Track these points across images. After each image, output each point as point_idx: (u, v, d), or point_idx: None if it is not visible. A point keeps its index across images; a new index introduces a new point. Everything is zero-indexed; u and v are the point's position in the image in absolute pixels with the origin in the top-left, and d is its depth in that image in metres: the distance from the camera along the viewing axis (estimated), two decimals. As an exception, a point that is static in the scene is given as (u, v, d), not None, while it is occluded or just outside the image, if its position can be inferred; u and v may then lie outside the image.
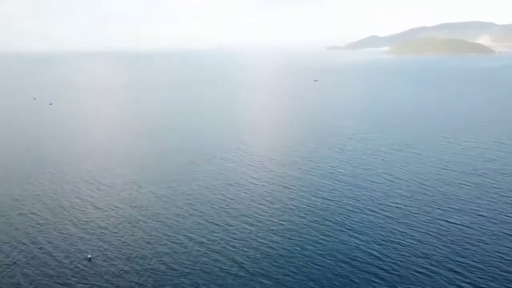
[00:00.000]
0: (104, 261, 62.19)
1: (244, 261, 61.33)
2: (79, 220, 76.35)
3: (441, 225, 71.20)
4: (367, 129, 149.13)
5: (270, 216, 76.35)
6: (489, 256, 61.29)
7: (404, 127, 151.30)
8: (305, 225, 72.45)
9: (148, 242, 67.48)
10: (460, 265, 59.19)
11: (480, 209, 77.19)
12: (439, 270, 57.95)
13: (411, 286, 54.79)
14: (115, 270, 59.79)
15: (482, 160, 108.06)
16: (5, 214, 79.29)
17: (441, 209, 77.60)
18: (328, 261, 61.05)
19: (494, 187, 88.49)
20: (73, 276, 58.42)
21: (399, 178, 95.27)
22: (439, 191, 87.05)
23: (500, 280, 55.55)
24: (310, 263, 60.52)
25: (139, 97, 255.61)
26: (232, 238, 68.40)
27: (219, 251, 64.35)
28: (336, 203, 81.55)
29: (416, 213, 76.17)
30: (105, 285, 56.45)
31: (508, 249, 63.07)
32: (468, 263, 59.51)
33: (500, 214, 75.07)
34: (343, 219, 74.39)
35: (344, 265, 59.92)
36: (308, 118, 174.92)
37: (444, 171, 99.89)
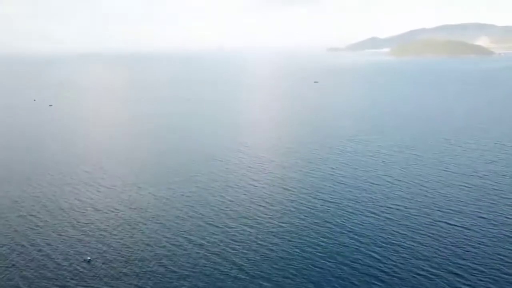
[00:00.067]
0: (103, 263, 61.95)
1: (243, 264, 61.10)
2: (78, 222, 76.10)
3: (441, 227, 70.97)
4: (367, 130, 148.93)
5: (270, 218, 76.12)
6: (489, 258, 61.07)
7: (404, 129, 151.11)
8: (305, 227, 72.21)
9: (148, 244, 67.24)
10: (461, 267, 58.97)
11: (480, 211, 76.96)
12: (440, 273, 57.73)
13: (411, 288, 54.59)
14: (114, 272, 59.55)
15: (482, 162, 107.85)
16: (4, 216, 79.05)
17: (441, 211, 77.38)
18: (328, 263, 60.81)
19: (494, 189, 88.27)
20: (72, 279, 58.20)
21: (399, 180, 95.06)
22: (439, 193, 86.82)
23: (501, 283, 55.34)
24: (310, 265, 60.29)
25: (138, 98, 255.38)
26: (231, 240, 68.16)
27: (218, 253, 64.11)
28: (336, 205, 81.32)
29: (416, 215, 75.95)
30: (104, 287, 56.22)
31: (509, 251, 62.85)
32: (469, 265, 59.29)
33: (501, 216, 74.86)
34: (343, 221, 74.16)
35: (344, 267, 59.70)
36: (308, 119, 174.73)
37: (444, 172, 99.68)
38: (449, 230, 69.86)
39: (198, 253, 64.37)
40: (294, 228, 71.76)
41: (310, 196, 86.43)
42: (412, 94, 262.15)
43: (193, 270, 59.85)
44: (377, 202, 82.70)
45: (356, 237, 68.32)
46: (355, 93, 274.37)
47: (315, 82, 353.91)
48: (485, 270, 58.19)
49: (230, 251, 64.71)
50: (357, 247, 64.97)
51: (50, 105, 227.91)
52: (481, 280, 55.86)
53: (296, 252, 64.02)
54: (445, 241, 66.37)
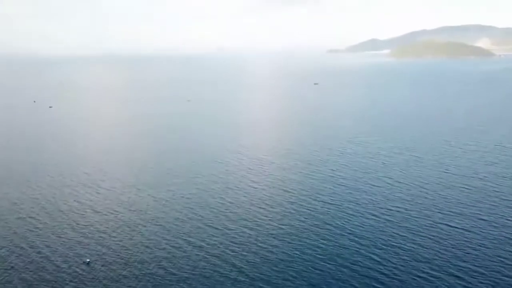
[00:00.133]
0: (102, 265, 61.76)
1: (243, 266, 60.90)
2: (78, 224, 75.92)
3: (441, 229, 70.76)
4: (368, 132, 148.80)
5: (270, 220, 75.92)
6: (490, 260, 60.84)
7: (405, 130, 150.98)
8: (305, 229, 72.02)
9: (147, 247, 67.05)
10: (461, 269, 58.75)
11: (481, 213, 76.74)
12: (440, 275, 57.51)
13: (412, 291, 54.37)
14: (113, 274, 59.35)
15: (483, 163, 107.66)
16: (4, 218, 78.86)
17: (441, 213, 77.17)
18: (328, 265, 60.61)
19: (495, 190, 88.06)
20: (71, 281, 58.00)
21: (400, 182, 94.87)
22: (439, 194, 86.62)
23: (502, 285, 55.11)
24: (310, 268, 60.08)
25: (138, 99, 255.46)
26: (231, 242, 67.96)
27: (218, 255, 63.91)
28: (336, 207, 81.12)
29: (416, 217, 75.74)
30: (103, 290, 56.03)
31: (510, 253, 62.62)
32: (469, 268, 59.07)
33: (501, 218, 74.64)
34: (343, 223, 73.96)
35: (344, 269, 59.48)
36: (308, 121, 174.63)
37: (444, 174, 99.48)
38: (449, 232, 69.65)
39: (198, 255, 64.18)
40: (294, 230, 71.56)
41: (310, 198, 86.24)
42: (412, 95, 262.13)
43: (193, 272, 59.65)
44: (377, 204, 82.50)
45: (356, 239, 68.11)
46: (355, 94, 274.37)
47: (315, 83, 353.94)
48: (485, 272, 57.97)
49: (230, 253, 64.51)
50: (357, 249, 64.77)
51: (50, 107, 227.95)
52: (482, 283, 55.63)
53: (296, 254, 63.81)
54: (446, 243, 66.16)
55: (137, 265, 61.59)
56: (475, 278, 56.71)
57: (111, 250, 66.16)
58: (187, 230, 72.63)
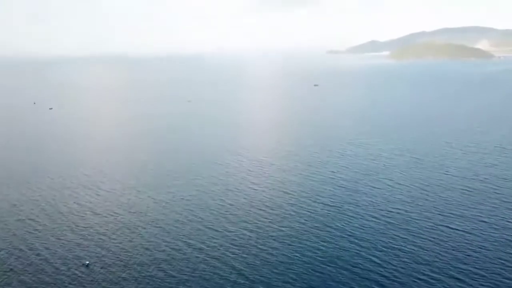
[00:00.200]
0: (101, 267, 61.55)
1: (243, 268, 60.69)
2: (77, 226, 75.72)
3: (442, 231, 70.57)
4: (368, 133, 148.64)
5: (270, 222, 75.72)
6: (491, 262, 60.65)
7: (405, 132, 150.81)
8: (305, 231, 71.82)
9: (147, 249, 66.84)
10: (462, 271, 58.56)
11: (481, 215, 76.56)
12: (441, 277, 57.33)
13: (412, 293, 54.17)
14: (113, 277, 59.15)
15: (483, 165, 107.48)
16: (3, 220, 78.68)
17: (442, 215, 76.98)
18: (328, 268, 60.41)
19: (496, 192, 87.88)
20: (70, 283, 57.80)
21: (400, 184, 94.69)
22: (440, 196, 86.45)
23: (502, 287, 54.94)
24: (310, 270, 59.89)
25: (138, 99, 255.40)
26: (231, 244, 67.76)
27: (218, 257, 63.71)
28: (337, 209, 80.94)
29: (417, 219, 75.55)
30: (103, 292, 55.82)
31: (510, 255, 62.43)
32: (470, 270, 58.88)
33: (502, 220, 74.45)
34: (343, 225, 73.77)
35: (344, 271, 59.29)
36: (308, 123, 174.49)
37: (445, 176, 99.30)
38: (450, 234, 69.46)
39: (198, 257, 63.97)
40: (294, 232, 71.36)
41: (310, 199, 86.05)
42: (413, 97, 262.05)
43: (193, 274, 59.45)
44: (378, 205, 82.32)
45: (356, 241, 67.92)
46: (356, 96, 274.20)
47: (315, 85, 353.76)
48: (486, 274, 57.79)
49: (230, 255, 64.31)
50: (358, 251, 64.57)
51: (50, 108, 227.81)
52: (482, 285, 55.45)
53: (296, 256, 63.61)
54: (446, 245, 65.97)
55: (137, 267, 61.39)
56: (476, 280, 56.53)
57: (111, 252, 65.96)
58: (186, 232, 72.44)
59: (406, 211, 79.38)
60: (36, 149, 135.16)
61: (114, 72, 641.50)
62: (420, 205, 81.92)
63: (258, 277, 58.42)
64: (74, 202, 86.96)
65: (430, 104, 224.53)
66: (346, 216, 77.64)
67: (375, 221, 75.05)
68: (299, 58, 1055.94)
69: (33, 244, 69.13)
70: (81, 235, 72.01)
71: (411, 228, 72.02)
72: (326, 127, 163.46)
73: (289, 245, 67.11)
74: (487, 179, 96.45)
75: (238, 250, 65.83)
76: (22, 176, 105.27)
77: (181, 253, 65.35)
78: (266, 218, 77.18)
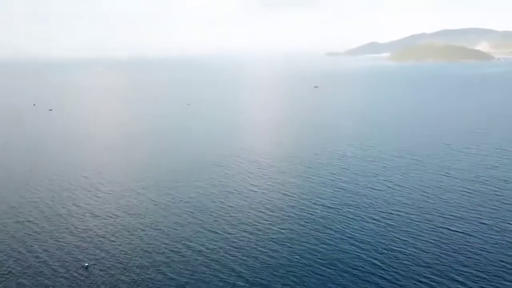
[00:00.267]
0: (101, 270, 61.27)
1: (243, 271, 60.42)
2: (76, 228, 75.46)
3: (442, 233, 70.32)
4: (368, 135, 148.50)
5: (269, 224, 75.47)
6: (491, 264, 60.39)
7: (405, 134, 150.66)
8: (305, 233, 71.56)
9: (146, 251, 66.57)
10: (463, 274, 58.30)
11: (482, 217, 76.33)
12: (441, 279, 57.05)
13: (413, 296, 53.90)
14: (112, 279, 58.87)
15: (483, 167, 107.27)
16: (2, 222, 78.40)
17: (442, 217, 76.74)
18: (328, 270, 60.14)
19: (496, 194, 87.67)
20: (69, 286, 57.51)
21: (400, 186, 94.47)
22: (440, 198, 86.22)
23: (504, 290, 54.65)
24: (310, 272, 59.62)
25: (138, 99, 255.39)
26: (231, 246, 67.50)
27: (218, 260, 63.44)
28: (337, 211, 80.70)
29: (417, 221, 75.31)
30: (102, 295, 55.54)
31: (511, 257, 62.16)
32: (471, 272, 58.62)
33: (503, 222, 74.21)
34: (343, 227, 73.51)
35: (345, 274, 59.02)
36: (308, 124, 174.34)
37: (445, 178, 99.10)
38: (450, 236, 69.21)
39: (197, 259, 63.70)
40: (294, 235, 71.10)
41: (310, 202, 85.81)
42: (413, 99, 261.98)
43: (192, 277, 59.17)
44: (378, 208, 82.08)
45: (356, 243, 67.65)
46: (356, 98, 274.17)
47: (315, 86, 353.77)
48: (487, 277, 57.52)
49: (230, 257, 64.04)
50: (358, 254, 64.31)
51: (50, 110, 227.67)
52: (483, 287, 55.22)
53: (296, 258, 63.35)
54: (447, 247, 65.71)
55: (136, 270, 61.11)
56: (476, 282, 56.26)
57: (110, 254, 65.68)
58: (186, 234, 72.18)
59: (406, 213, 79.14)
60: (36, 150, 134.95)
61: (113, 73, 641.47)
62: (420, 207, 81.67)
63: (258, 279, 58.15)
64: (73, 204, 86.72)
65: (430, 106, 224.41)
66: (346, 218, 77.39)
67: (375, 223, 74.81)
68: (299, 60, 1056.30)
69: (32, 246, 68.85)
70: (80, 237, 71.74)
71: (411, 230, 71.77)
72: (326, 129, 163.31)
73: (289, 247, 66.84)
74: (487, 180, 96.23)
75: (238, 252, 65.57)
76: (21, 177, 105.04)
77: (180, 255, 65.09)
78: (266, 220, 76.94)
